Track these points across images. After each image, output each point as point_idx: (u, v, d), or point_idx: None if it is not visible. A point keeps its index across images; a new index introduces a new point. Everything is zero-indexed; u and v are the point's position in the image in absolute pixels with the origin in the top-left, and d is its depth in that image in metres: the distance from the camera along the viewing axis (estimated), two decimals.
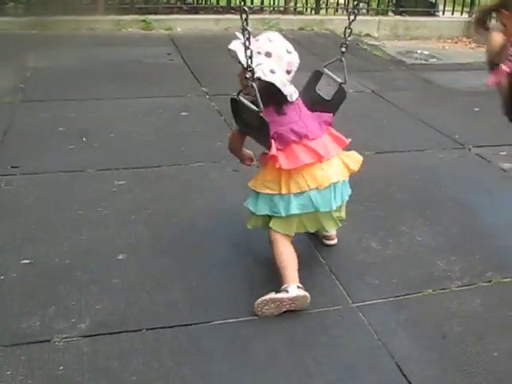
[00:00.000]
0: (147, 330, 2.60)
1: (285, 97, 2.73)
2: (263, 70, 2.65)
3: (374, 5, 10.15)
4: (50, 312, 2.68)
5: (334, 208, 2.86)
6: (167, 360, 2.44)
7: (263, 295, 2.72)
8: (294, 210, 2.77)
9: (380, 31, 9.29)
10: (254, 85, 2.55)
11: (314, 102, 2.99)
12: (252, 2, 9.41)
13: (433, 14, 10.04)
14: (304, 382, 2.38)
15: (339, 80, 3.03)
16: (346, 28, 3.00)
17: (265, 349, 2.55)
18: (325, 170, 2.78)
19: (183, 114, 5.25)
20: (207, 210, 3.64)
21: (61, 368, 2.37)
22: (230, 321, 2.68)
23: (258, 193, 2.83)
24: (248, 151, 3.10)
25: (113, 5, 8.95)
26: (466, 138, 5.00)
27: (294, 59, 2.79)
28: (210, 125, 5.03)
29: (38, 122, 4.89)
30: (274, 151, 2.69)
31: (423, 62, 8.00)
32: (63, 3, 8.61)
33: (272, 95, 2.71)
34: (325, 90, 3.06)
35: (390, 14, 10.02)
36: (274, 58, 2.72)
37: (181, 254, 3.17)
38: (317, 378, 2.40)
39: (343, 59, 3.02)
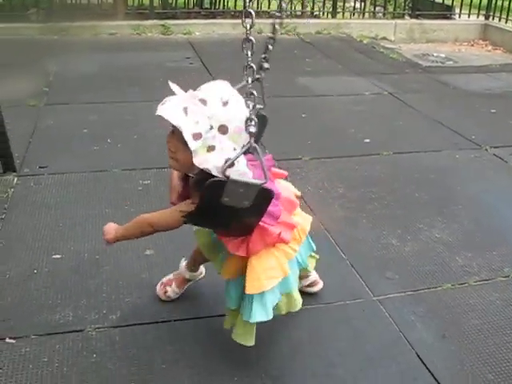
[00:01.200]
0: (175, 321, 2.70)
1: None
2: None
3: (390, 8, 10.22)
4: (81, 304, 2.78)
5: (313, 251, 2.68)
6: (196, 349, 2.53)
7: None
8: (294, 283, 2.45)
9: (396, 34, 9.36)
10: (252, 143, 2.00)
11: None
12: (269, 7, 9.52)
13: (449, 17, 10.09)
14: (327, 372, 2.47)
15: (257, 107, 2.14)
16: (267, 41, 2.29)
17: (288, 340, 2.63)
18: (300, 224, 2.44)
19: None
20: None
21: (94, 356, 2.48)
22: None
23: (262, 294, 2.28)
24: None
25: (132, 10, 9.10)
26: (482, 139, 5.07)
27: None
28: None
29: (62, 124, 5.02)
30: (276, 231, 2.25)
31: (439, 64, 8.06)
32: (83, 9, 8.78)
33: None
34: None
35: (407, 17, 10.08)
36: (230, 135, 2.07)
37: None
38: (339, 368, 2.48)
39: (261, 78, 2.25)
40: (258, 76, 2.20)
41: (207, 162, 2.04)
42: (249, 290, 2.25)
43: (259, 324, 2.61)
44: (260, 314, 2.30)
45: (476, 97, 6.39)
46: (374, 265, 3.20)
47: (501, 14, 9.43)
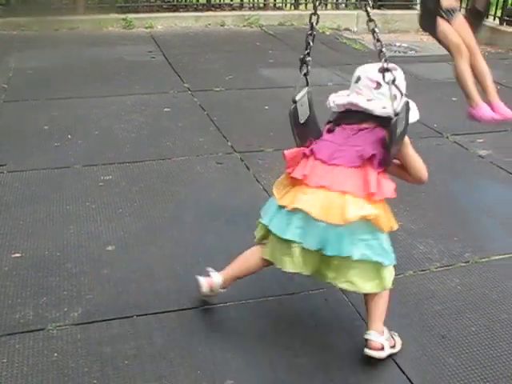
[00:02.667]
0: (137, 316, 2.68)
1: (338, 116, 2.57)
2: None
3: None
4: (42, 302, 2.75)
5: (286, 237, 2.37)
6: (158, 344, 2.52)
7: (248, 280, 2.82)
8: (270, 223, 2.46)
9: (359, 25, 9.39)
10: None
11: (310, 129, 2.64)
12: (231, 0, 9.50)
13: (411, 7, 10.16)
14: (291, 362, 2.47)
15: (305, 90, 2.66)
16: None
17: (253, 331, 2.64)
18: (304, 195, 2.37)
19: (166, 109, 5.32)
20: (192, 201, 3.72)
21: (55, 355, 2.44)
22: (218, 305, 2.77)
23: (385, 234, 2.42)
24: None
25: (93, 4, 8.99)
26: (444, 127, 5.12)
27: None
28: (193, 119, 5.11)
29: (22, 121, 4.94)
30: (287, 151, 2.50)
31: (402, 54, 8.12)
32: (43, 4, 8.65)
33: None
34: (303, 112, 2.64)
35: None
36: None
37: (168, 245, 3.25)
38: (304, 358, 2.49)
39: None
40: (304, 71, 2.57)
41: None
42: (387, 230, 2.42)
43: (222, 317, 2.63)
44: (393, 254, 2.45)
45: (438, 85, 6.45)
46: None
47: (461, 4, 9.51)
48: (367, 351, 2.41)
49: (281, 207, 2.42)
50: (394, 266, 3.08)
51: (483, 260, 3.22)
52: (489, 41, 8.56)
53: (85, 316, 2.67)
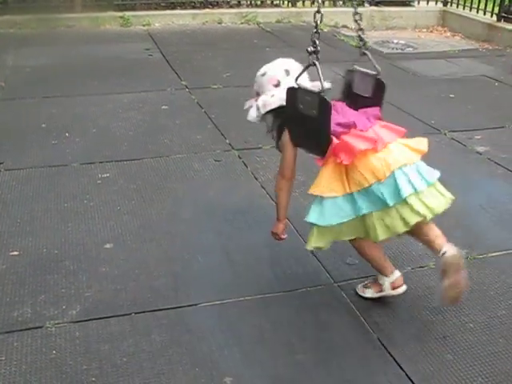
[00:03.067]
0: (136, 313, 2.68)
1: None
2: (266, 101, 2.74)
3: None
4: (40, 300, 2.75)
5: (410, 192, 2.47)
6: (156, 342, 2.52)
7: (247, 278, 2.84)
8: (363, 209, 2.50)
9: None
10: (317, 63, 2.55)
11: (357, 103, 2.79)
12: None
13: (408, 4, 10.14)
14: (289, 359, 2.47)
15: (373, 72, 2.83)
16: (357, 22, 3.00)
17: (251, 329, 2.64)
18: (383, 159, 2.47)
19: (164, 107, 5.31)
20: (190, 199, 3.72)
21: (53, 352, 2.45)
22: (216, 303, 2.77)
23: (322, 199, 2.54)
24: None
25: (90, 2, 8.96)
26: (441, 124, 5.12)
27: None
28: (191, 117, 5.10)
29: (20, 119, 4.93)
30: (335, 140, 2.50)
31: (399, 51, 8.10)
32: (40, 2, 8.62)
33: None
34: (363, 88, 2.86)
35: (366, 5, 10.10)
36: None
37: (166, 242, 3.25)
38: (302, 355, 2.49)
39: (367, 52, 2.88)
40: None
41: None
42: (310, 190, 2.58)
43: (220, 315, 2.64)
44: (314, 215, 2.56)
45: (435, 82, 6.45)
46: (334, 251, 3.19)
47: (458, 1, 9.52)
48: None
49: (362, 191, 2.50)
50: (392, 263, 3.12)
51: (481, 256, 3.22)
52: (486, 37, 8.57)
53: (83, 313, 2.67)
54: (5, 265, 3.00)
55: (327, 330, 2.64)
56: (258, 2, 9.69)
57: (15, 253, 3.10)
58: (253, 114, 2.77)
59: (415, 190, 2.48)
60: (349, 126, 2.55)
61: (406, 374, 2.40)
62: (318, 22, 2.58)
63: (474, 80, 6.61)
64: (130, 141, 4.55)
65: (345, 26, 9.22)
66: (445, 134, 4.91)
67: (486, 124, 5.19)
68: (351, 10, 8.51)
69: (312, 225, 2.59)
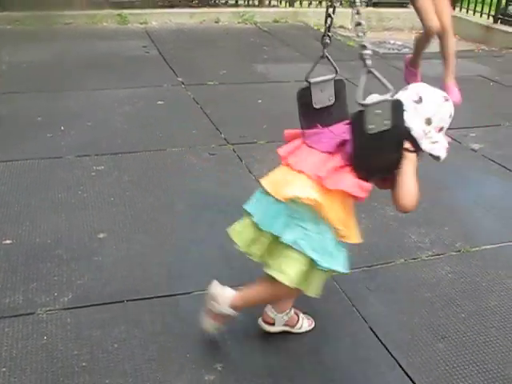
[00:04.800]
0: (127, 301, 2.68)
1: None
2: None
3: None
4: (32, 288, 2.74)
5: (244, 208, 2.30)
6: (148, 328, 2.52)
7: (239, 267, 2.85)
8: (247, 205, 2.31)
9: (353, 23, 9.39)
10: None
11: (323, 116, 2.46)
12: None
13: (405, 6, 10.17)
14: (281, 346, 2.47)
15: (330, 76, 2.52)
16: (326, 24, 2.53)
17: (243, 317, 2.62)
18: (274, 172, 2.29)
19: (159, 102, 5.31)
20: (184, 191, 3.72)
21: (44, 338, 2.44)
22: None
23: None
24: None
25: None
26: None
27: None
28: (186, 112, 5.11)
29: (15, 113, 4.93)
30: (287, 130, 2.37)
31: (396, 51, 8.14)
32: None
33: None
34: (322, 98, 2.52)
35: (363, 5, 10.13)
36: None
37: (159, 233, 3.25)
38: (294, 343, 2.50)
39: (325, 52, 2.55)
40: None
41: None
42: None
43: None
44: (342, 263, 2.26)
45: (432, 82, 6.38)
46: None
47: (455, 2, 9.54)
48: (259, 322, 2.51)
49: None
50: (384, 255, 3.12)
51: (474, 249, 3.23)
52: (482, 39, 8.61)
53: (75, 301, 2.67)
54: None
55: (319, 319, 2.63)
56: (256, 2, 9.72)
57: (8, 241, 3.10)
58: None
59: (252, 211, 2.27)
60: (303, 134, 2.36)
61: (397, 362, 2.40)
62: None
63: (470, 80, 6.62)
64: (125, 134, 4.55)
65: (342, 27, 9.24)
66: None
67: (482, 122, 5.21)
68: (348, 10, 8.54)
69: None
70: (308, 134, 2.33)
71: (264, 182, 2.25)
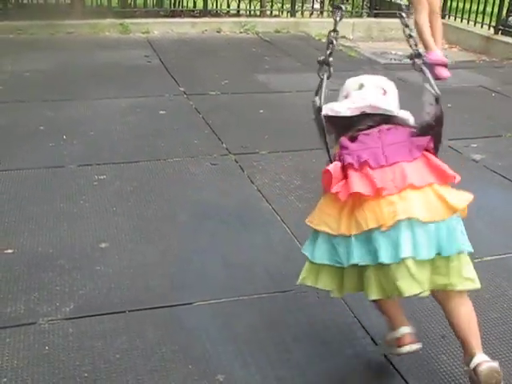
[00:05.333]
0: (130, 311, 2.68)
1: (349, 123, 2.26)
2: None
3: (348, 7, 10.31)
4: (34, 297, 2.74)
5: (408, 255, 2.00)
6: (150, 339, 2.51)
7: (241, 278, 2.85)
8: (355, 258, 2.06)
9: (355, 33, 9.43)
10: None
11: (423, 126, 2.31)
12: (228, 6, 9.54)
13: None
14: (283, 357, 2.47)
15: (434, 92, 2.28)
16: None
17: (245, 328, 2.63)
18: (394, 204, 2.03)
19: (161, 112, 5.32)
20: (186, 201, 3.72)
21: (46, 348, 2.44)
22: (210, 302, 2.77)
23: (316, 232, 2.18)
24: None
25: (90, 9, 9.01)
26: None
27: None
28: (188, 122, 5.12)
29: (18, 122, 4.94)
30: (329, 167, 2.14)
31: (397, 61, 8.14)
32: (40, 8, 8.66)
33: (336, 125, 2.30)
34: (430, 110, 2.32)
35: (365, 16, 10.18)
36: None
37: (161, 243, 3.25)
38: (295, 353, 2.49)
39: (423, 67, 2.38)
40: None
41: None
42: (306, 219, 2.19)
43: (214, 313, 2.63)
44: (307, 247, 2.20)
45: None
46: None
47: (456, 13, 9.58)
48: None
49: (360, 235, 2.06)
50: None
51: (476, 260, 3.17)
52: (483, 49, 8.62)
53: (77, 311, 2.66)
54: None
55: (321, 330, 2.63)
56: (257, 12, 9.76)
57: (10, 251, 3.10)
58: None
59: (415, 254, 2.01)
60: (359, 162, 2.11)
61: (400, 374, 2.39)
62: (334, 41, 2.41)
63: (471, 90, 6.64)
64: (128, 144, 4.55)
65: (343, 37, 9.25)
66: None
67: (483, 133, 5.21)
68: (349, 21, 8.56)
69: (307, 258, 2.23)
70: (367, 159, 2.12)
71: (416, 214, 2.03)
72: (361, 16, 10.11)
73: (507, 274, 3.12)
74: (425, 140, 2.21)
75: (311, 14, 10.06)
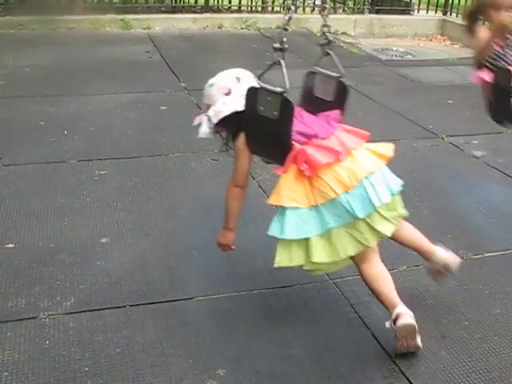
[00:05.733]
0: (130, 306, 2.68)
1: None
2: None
3: (350, 4, 10.29)
4: (35, 292, 2.74)
5: (379, 204, 2.38)
6: (150, 334, 2.52)
7: (242, 273, 2.84)
8: (331, 223, 2.35)
9: (356, 29, 9.42)
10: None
11: (317, 107, 2.67)
12: (230, 2, 9.52)
13: (408, 13, 10.19)
14: (284, 353, 2.47)
15: (336, 74, 2.70)
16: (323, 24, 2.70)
17: (245, 322, 2.63)
18: (349, 168, 2.36)
19: (162, 108, 5.32)
20: (187, 196, 3.72)
21: (47, 342, 2.44)
22: (211, 297, 2.77)
23: (284, 210, 2.38)
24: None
25: (91, 4, 8.99)
26: (439, 129, 5.13)
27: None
28: (190, 117, 5.02)
29: (18, 117, 4.93)
30: (297, 146, 2.39)
31: (398, 58, 8.14)
32: (41, 3, 8.64)
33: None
34: (324, 91, 2.75)
35: (366, 12, 10.16)
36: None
37: (162, 238, 3.25)
38: (296, 349, 2.49)
39: (331, 52, 2.69)
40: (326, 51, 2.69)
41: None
42: (269, 200, 2.45)
43: (215, 308, 2.64)
44: (275, 228, 2.39)
45: (434, 89, 6.47)
46: None
47: (458, 10, 9.56)
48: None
49: (328, 203, 2.35)
50: (387, 262, 3.12)
51: (477, 257, 3.23)
52: None
53: (77, 305, 2.67)
54: (0, 257, 3.00)
55: (322, 326, 2.64)
56: (259, 8, 9.74)
57: (11, 245, 3.10)
58: (205, 129, 2.57)
59: (381, 201, 2.39)
60: (309, 137, 2.43)
61: (400, 370, 2.40)
62: (287, 19, 2.58)
63: (472, 87, 6.55)
64: (128, 139, 4.55)
65: (344, 33, 9.25)
66: (442, 139, 4.92)
67: (484, 129, 5.19)
68: (351, 17, 8.57)
69: (276, 239, 2.41)
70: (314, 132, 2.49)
71: (369, 171, 2.41)
72: (362, 12, 10.08)
73: (508, 270, 3.12)
74: (337, 113, 2.64)
75: (312, 10, 10.03)
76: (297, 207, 2.36)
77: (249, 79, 2.58)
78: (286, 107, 2.33)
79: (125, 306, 2.67)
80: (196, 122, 2.64)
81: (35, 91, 5.59)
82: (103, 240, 3.18)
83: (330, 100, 2.72)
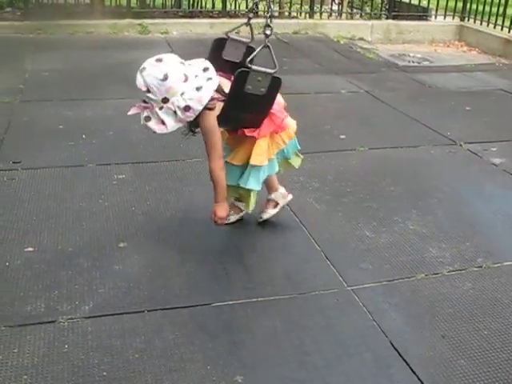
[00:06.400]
0: (148, 311, 2.69)
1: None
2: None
3: (367, 9, 10.29)
4: (54, 295, 2.76)
5: (299, 148, 3.37)
6: (169, 339, 2.52)
7: (260, 280, 2.85)
8: (277, 166, 3.23)
9: (373, 35, 9.41)
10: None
11: (225, 69, 3.08)
12: (247, 7, 9.53)
13: (425, 19, 10.16)
14: (301, 360, 2.47)
15: (246, 40, 3.25)
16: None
17: (262, 329, 2.63)
18: (292, 122, 3.18)
19: None
20: (204, 201, 3.70)
21: (66, 346, 2.45)
22: (228, 303, 2.77)
23: (259, 167, 3.05)
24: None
25: (109, 9, 9.05)
26: (457, 135, 5.11)
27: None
28: None
29: (37, 121, 4.97)
30: (282, 115, 3.07)
31: (416, 64, 8.12)
32: (60, 8, 8.72)
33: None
34: (233, 55, 3.20)
35: (383, 18, 10.14)
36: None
37: (179, 243, 3.26)
38: (313, 356, 2.49)
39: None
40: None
41: None
42: (253, 161, 3.00)
43: (232, 315, 2.64)
44: (255, 184, 3.09)
45: (452, 95, 6.45)
46: (348, 256, 3.21)
47: (475, 16, 9.53)
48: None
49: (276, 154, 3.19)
50: (405, 270, 3.11)
51: (496, 265, 3.20)
52: (503, 52, 8.57)
53: (96, 309, 2.68)
54: (19, 260, 3.02)
55: (340, 333, 2.63)
56: (276, 13, 9.74)
57: (30, 249, 3.12)
58: (170, 122, 2.87)
59: (297, 148, 3.32)
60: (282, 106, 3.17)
61: (419, 379, 2.38)
62: (272, 7, 3.03)
63: (490, 93, 6.60)
64: (146, 144, 4.57)
65: (361, 39, 9.25)
66: (461, 146, 4.90)
67: (502, 136, 5.17)
68: (368, 22, 8.57)
69: (249, 190, 3.12)
70: None
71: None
72: (379, 18, 10.07)
73: None
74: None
75: (329, 15, 10.04)
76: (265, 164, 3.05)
77: (178, 59, 2.84)
78: (276, 85, 2.79)
79: (143, 311, 2.68)
80: (146, 122, 3.03)
81: (54, 95, 5.63)
82: (121, 244, 3.20)
83: (237, 62, 3.12)
